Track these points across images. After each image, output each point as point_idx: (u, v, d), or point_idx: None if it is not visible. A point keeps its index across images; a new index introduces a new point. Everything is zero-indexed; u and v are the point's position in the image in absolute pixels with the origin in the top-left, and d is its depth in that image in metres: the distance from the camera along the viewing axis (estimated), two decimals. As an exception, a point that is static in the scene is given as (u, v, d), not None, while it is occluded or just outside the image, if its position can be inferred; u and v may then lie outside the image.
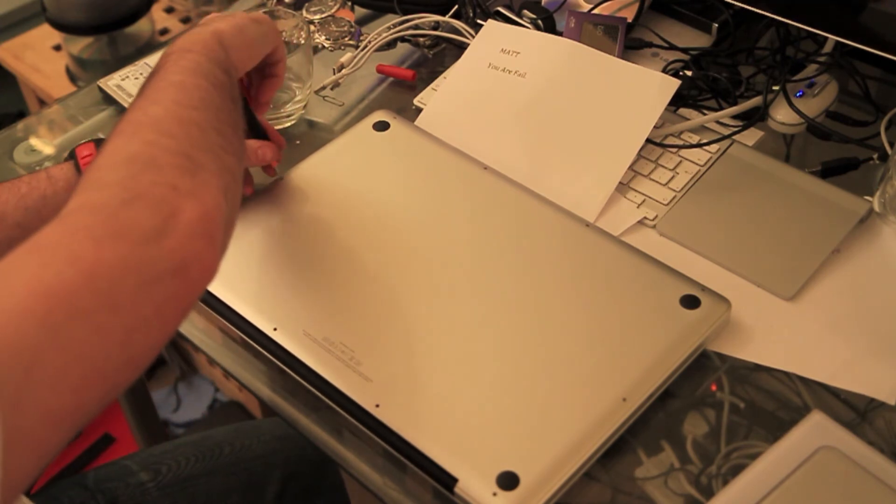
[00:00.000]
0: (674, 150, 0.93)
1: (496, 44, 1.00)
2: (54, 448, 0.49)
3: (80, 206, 0.55)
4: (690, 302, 0.78)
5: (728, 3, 0.98)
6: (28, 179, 0.80)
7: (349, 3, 1.13)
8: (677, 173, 0.91)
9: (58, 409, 0.49)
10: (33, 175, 0.81)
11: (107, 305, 0.51)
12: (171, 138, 0.60)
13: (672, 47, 1.02)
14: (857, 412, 0.75)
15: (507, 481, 0.68)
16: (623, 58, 0.98)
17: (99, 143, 0.84)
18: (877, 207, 0.87)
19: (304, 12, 1.10)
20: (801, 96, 0.95)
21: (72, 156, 0.84)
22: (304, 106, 1.02)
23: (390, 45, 1.08)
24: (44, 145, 1.03)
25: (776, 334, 0.80)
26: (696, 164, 0.92)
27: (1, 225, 0.77)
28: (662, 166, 0.92)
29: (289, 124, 1.01)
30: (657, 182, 0.91)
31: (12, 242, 0.77)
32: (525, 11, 1.04)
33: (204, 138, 0.62)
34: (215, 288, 0.82)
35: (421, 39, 1.08)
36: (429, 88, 1.03)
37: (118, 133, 0.61)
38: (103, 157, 0.59)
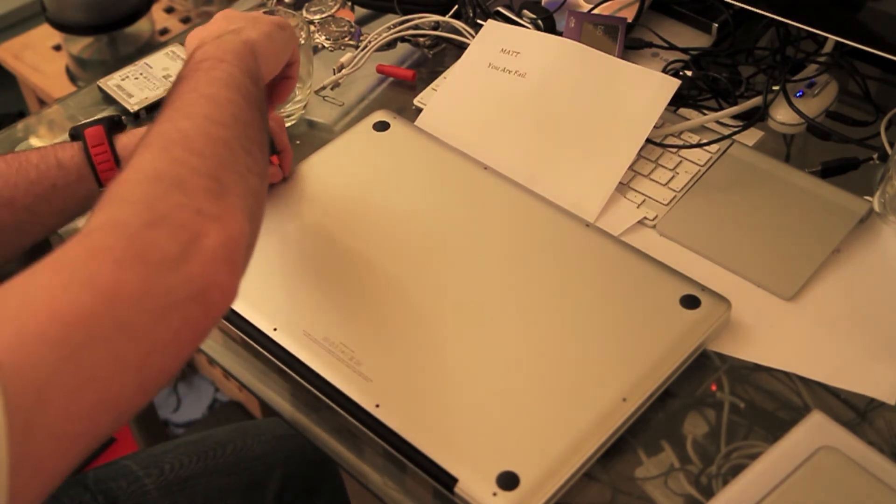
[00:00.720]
0: (674, 150, 0.93)
1: (496, 44, 1.00)
2: (62, 473, 0.48)
3: (102, 224, 0.54)
4: (690, 302, 0.78)
5: (728, 3, 0.98)
6: (37, 163, 0.79)
7: (349, 3, 1.13)
8: (677, 173, 0.91)
9: (68, 434, 0.48)
10: (42, 158, 0.79)
11: (124, 331, 0.50)
12: (200, 157, 0.59)
13: (672, 47, 1.02)
14: (857, 412, 0.75)
15: (507, 481, 0.68)
16: (623, 58, 0.98)
17: (109, 127, 0.83)
18: (877, 207, 0.87)
19: (304, 12, 1.10)
20: (801, 96, 0.95)
21: (78, 136, 0.82)
22: (304, 106, 1.02)
23: (390, 45, 1.08)
24: (44, 145, 1.03)
25: (776, 334, 0.80)
26: (696, 164, 0.92)
27: (10, 209, 0.76)
28: (662, 166, 0.92)
29: (289, 124, 1.01)
30: (657, 182, 0.91)
31: (21, 226, 0.76)
32: (525, 11, 1.04)
33: (232, 158, 0.61)
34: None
35: (421, 39, 1.08)
36: (429, 88, 1.03)
37: (146, 146, 0.60)
38: (130, 171, 0.58)
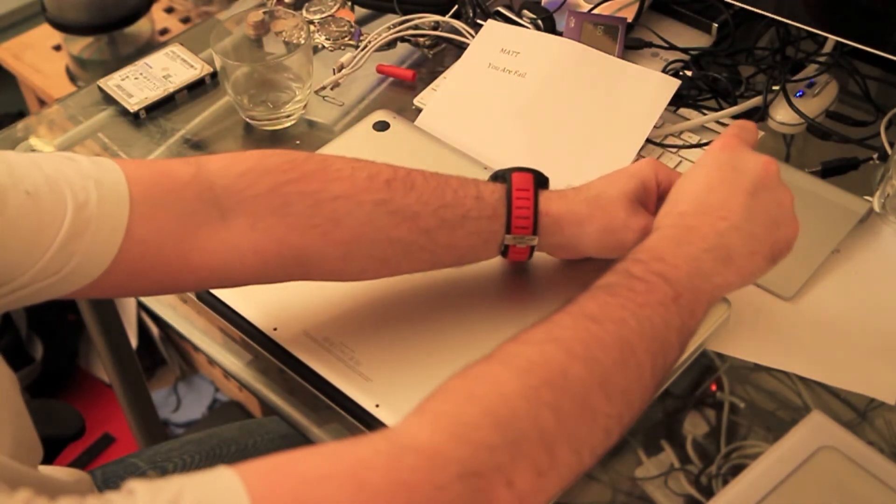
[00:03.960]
0: (674, 150, 0.93)
1: (496, 44, 1.00)
2: None
3: (423, 448, 0.50)
4: (690, 302, 0.78)
5: (728, 3, 0.98)
6: (456, 188, 0.72)
7: (349, 3, 1.13)
8: (677, 173, 0.91)
9: None
10: (462, 185, 0.73)
11: None
12: (557, 420, 0.53)
13: (672, 47, 1.02)
14: (857, 412, 0.75)
15: (507, 481, 0.68)
16: (623, 58, 0.98)
17: (537, 180, 0.75)
18: (877, 207, 0.87)
19: (304, 12, 1.10)
20: (801, 96, 0.95)
21: (500, 178, 0.76)
22: (304, 106, 1.02)
23: (390, 45, 1.08)
24: (44, 145, 1.03)
25: (776, 334, 0.80)
26: (696, 164, 0.92)
27: (410, 224, 0.71)
28: (662, 166, 0.92)
29: (289, 124, 1.01)
30: (657, 182, 0.91)
31: (410, 248, 0.71)
32: (525, 11, 1.04)
33: (587, 436, 0.55)
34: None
35: (421, 39, 1.08)
36: (429, 88, 1.03)
37: (530, 365, 0.55)
38: (493, 385, 0.54)
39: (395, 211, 0.70)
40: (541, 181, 0.76)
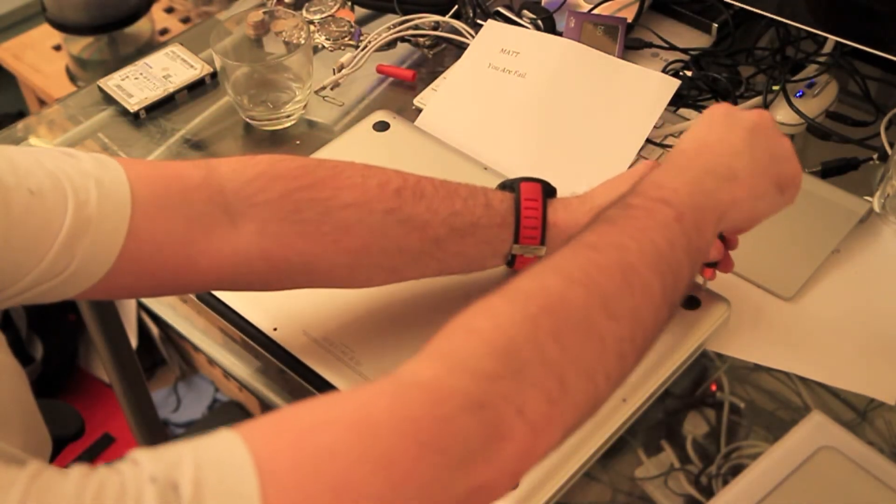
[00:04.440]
0: (674, 150, 0.93)
1: (496, 44, 1.00)
2: None
3: (427, 383, 0.50)
4: (690, 302, 0.78)
5: (728, 3, 0.98)
6: (466, 196, 0.72)
7: (349, 3, 1.13)
8: (677, 173, 0.91)
9: None
10: (471, 194, 0.73)
11: None
12: (560, 347, 0.52)
13: (672, 47, 1.02)
14: (857, 412, 0.75)
15: (507, 481, 0.68)
16: (623, 58, 0.98)
17: (545, 190, 0.75)
18: (877, 207, 0.87)
19: (304, 12, 1.10)
20: (801, 96, 0.95)
21: (508, 187, 0.76)
22: (304, 106, 1.02)
23: (390, 45, 1.08)
24: (44, 145, 1.03)
25: (776, 334, 0.80)
26: (696, 164, 0.92)
27: (420, 234, 0.71)
28: (662, 166, 0.92)
29: (289, 124, 1.01)
30: (657, 182, 0.91)
31: (420, 257, 0.71)
32: (525, 11, 1.04)
33: (597, 359, 0.54)
34: (215, 288, 0.82)
35: (421, 39, 1.08)
36: (429, 88, 1.03)
37: (525, 296, 0.54)
38: (491, 319, 0.53)
39: (406, 220, 0.70)
40: (548, 191, 0.76)
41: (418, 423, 0.48)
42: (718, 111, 0.69)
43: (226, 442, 0.45)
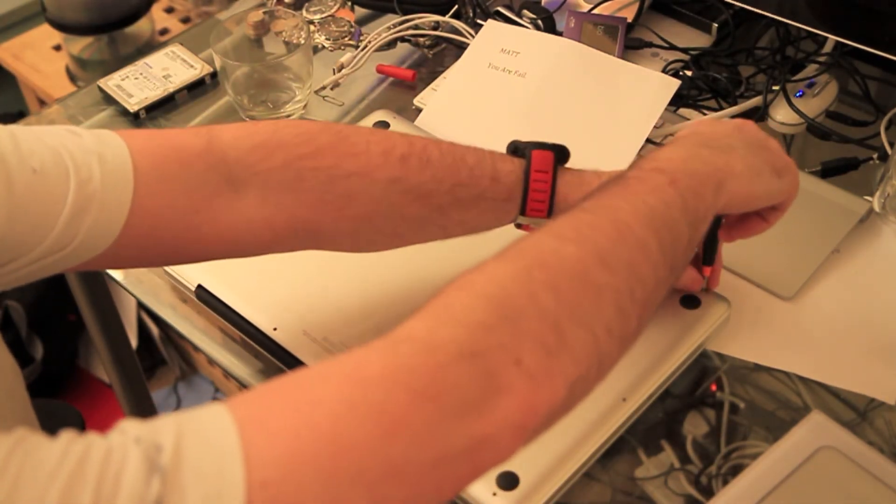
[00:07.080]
0: (674, 150, 0.93)
1: (496, 44, 1.00)
2: None
3: (420, 337, 0.49)
4: (690, 301, 0.78)
5: (728, 3, 0.98)
6: (472, 166, 0.71)
7: (349, 3, 1.13)
8: (677, 173, 0.91)
9: None
10: (478, 162, 0.71)
11: (393, 475, 0.46)
12: (555, 297, 0.51)
13: (672, 47, 1.02)
14: (857, 412, 0.75)
15: (507, 481, 0.68)
16: (623, 58, 0.98)
17: (558, 158, 0.73)
18: (877, 207, 0.87)
19: (304, 12, 1.10)
20: (800, 96, 0.95)
21: (519, 152, 0.74)
22: (304, 106, 1.02)
23: (390, 45, 1.08)
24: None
25: (776, 334, 0.80)
26: (696, 164, 0.92)
27: (424, 202, 0.70)
28: (662, 166, 0.92)
29: (289, 124, 1.01)
30: (657, 182, 0.91)
31: (423, 223, 0.71)
32: (525, 11, 1.04)
33: (594, 313, 0.53)
34: (215, 287, 0.82)
35: (421, 39, 1.08)
36: (429, 88, 1.03)
37: (519, 252, 0.54)
38: (484, 274, 0.52)
39: (409, 189, 0.70)
40: (561, 157, 0.74)
41: (410, 373, 0.47)
42: (703, 120, 0.71)
43: (210, 408, 0.46)
